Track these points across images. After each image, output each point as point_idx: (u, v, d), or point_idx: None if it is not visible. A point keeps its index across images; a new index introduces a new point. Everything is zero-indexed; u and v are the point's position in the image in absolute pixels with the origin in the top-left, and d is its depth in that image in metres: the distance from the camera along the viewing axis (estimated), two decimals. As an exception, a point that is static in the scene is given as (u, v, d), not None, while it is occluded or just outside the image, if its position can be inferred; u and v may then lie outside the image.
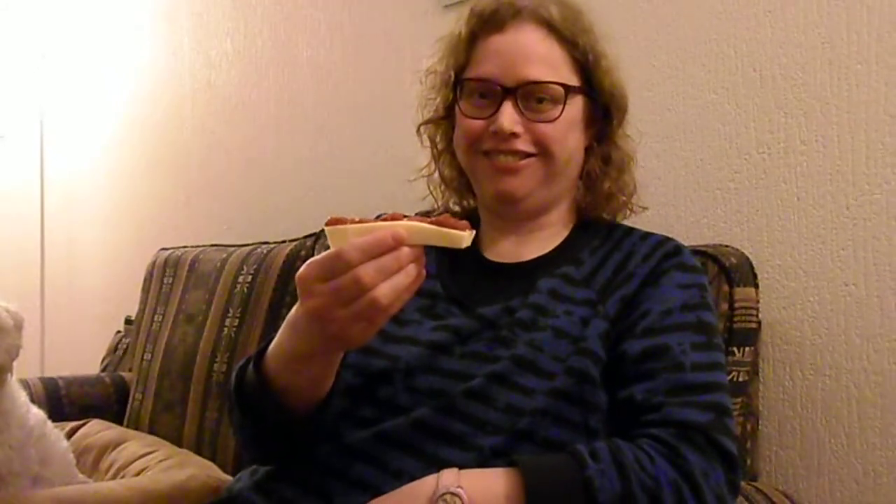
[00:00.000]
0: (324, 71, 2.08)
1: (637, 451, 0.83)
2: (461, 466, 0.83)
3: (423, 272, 0.79)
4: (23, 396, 1.34)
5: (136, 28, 2.83)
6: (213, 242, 2.05)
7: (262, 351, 0.90)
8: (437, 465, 0.84)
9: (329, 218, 0.80)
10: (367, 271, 0.75)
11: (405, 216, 0.81)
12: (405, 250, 0.76)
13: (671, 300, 0.94)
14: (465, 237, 0.79)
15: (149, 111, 2.77)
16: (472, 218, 1.10)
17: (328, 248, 0.78)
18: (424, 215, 1.14)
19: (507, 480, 0.81)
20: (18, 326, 1.30)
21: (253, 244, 1.87)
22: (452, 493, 0.79)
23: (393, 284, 0.76)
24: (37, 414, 1.37)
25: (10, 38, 3.23)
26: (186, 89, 2.58)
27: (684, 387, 0.88)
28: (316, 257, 0.78)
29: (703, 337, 0.92)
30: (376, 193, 1.86)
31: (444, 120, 1.08)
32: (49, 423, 1.40)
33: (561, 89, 0.99)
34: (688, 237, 1.15)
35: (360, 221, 0.79)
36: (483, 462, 0.86)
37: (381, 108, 1.91)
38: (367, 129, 1.95)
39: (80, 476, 1.50)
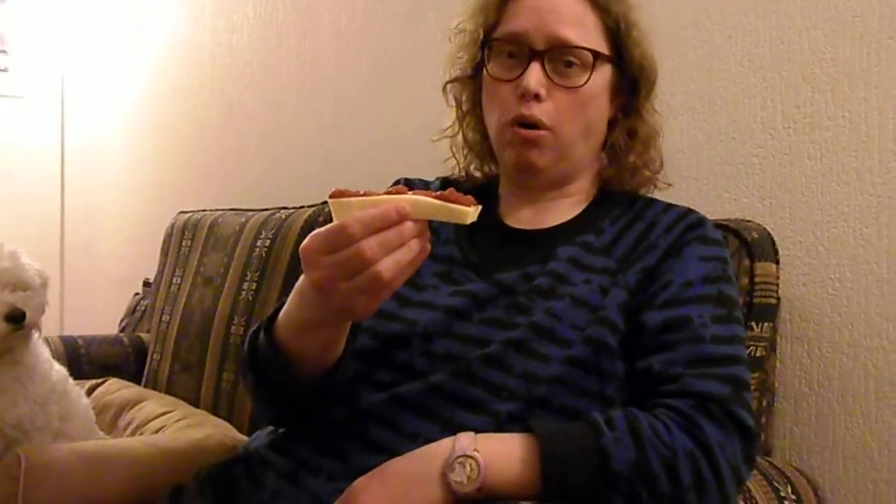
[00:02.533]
0: (345, 35, 2.07)
1: (654, 420, 0.83)
2: (477, 431, 0.84)
3: (428, 247, 0.79)
4: (45, 353, 1.37)
5: (158, -10, 2.83)
6: (232, 206, 2.06)
7: (272, 317, 0.91)
8: (453, 429, 0.84)
9: (333, 190, 0.79)
10: (369, 245, 0.75)
11: (410, 188, 0.80)
12: (408, 225, 0.76)
13: (693, 272, 0.93)
14: (469, 213, 0.78)
15: (169, 75, 2.77)
16: (492, 184, 1.10)
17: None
18: (444, 180, 1.14)
19: (523, 445, 0.81)
20: (44, 284, 1.33)
21: (272, 209, 1.88)
22: (468, 456, 0.79)
23: (395, 259, 0.76)
24: (59, 370, 1.39)
25: (32, 2, 3.23)
26: (207, 53, 2.58)
27: (703, 359, 0.88)
28: (320, 229, 0.78)
29: (724, 310, 0.92)
30: (397, 159, 1.86)
31: (471, 79, 1.07)
32: (70, 380, 1.42)
33: (590, 55, 0.97)
34: (710, 211, 1.14)
35: (365, 194, 0.78)
36: (498, 427, 0.86)
37: (403, 73, 1.90)
38: (388, 94, 1.94)
39: (100, 433, 1.52)
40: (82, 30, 3.23)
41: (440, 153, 1.15)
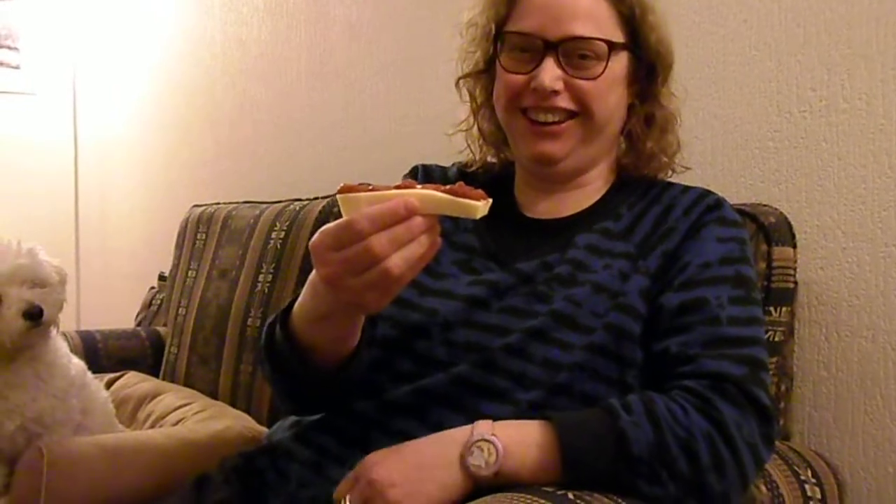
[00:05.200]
0: (356, 26, 2.07)
1: (670, 402, 0.83)
2: (500, 420, 0.84)
3: (438, 241, 0.78)
4: (64, 347, 1.37)
5: (168, -15, 2.83)
6: (246, 199, 2.06)
7: (288, 308, 0.92)
8: (477, 419, 0.84)
9: (341, 185, 0.79)
10: (378, 241, 0.74)
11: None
12: (417, 220, 0.75)
13: (710, 253, 0.93)
14: (479, 207, 0.77)
15: (180, 69, 2.78)
16: (509, 172, 1.10)
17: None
18: (462, 167, 1.14)
19: (541, 432, 0.82)
20: (62, 281, 1.33)
21: (285, 201, 1.88)
22: (487, 440, 0.80)
23: (405, 255, 0.75)
24: (77, 364, 1.40)
25: (43, -3, 3.24)
26: (217, 47, 2.58)
27: (720, 340, 0.88)
28: (328, 225, 0.78)
29: (742, 291, 0.92)
30: (410, 149, 1.86)
31: (484, 73, 1.06)
32: (89, 373, 1.43)
33: (605, 46, 0.97)
34: (726, 196, 1.13)
35: (374, 189, 0.78)
36: (521, 416, 0.87)
37: (414, 64, 1.90)
38: (399, 85, 1.94)
39: (120, 426, 1.53)
40: (93, 26, 3.24)
41: (453, 144, 1.14)
